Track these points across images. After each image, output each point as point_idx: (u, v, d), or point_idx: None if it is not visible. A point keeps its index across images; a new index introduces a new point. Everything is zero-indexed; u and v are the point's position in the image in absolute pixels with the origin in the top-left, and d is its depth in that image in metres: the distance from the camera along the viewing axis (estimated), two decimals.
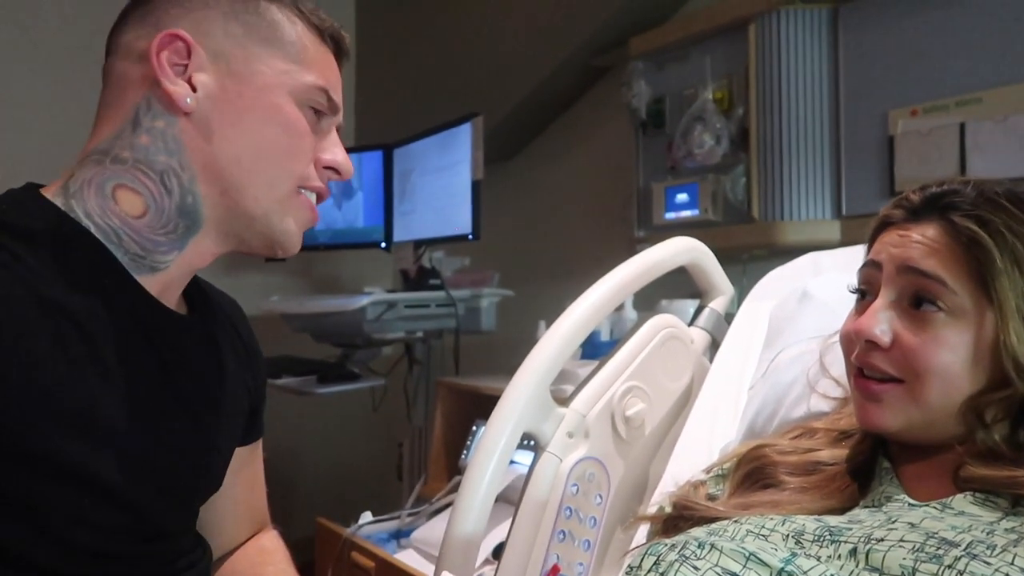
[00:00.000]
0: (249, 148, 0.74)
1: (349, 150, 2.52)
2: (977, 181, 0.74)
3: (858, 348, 0.74)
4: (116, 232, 0.71)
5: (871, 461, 0.78)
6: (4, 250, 0.64)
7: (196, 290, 0.82)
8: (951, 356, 0.70)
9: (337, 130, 0.82)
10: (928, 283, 0.70)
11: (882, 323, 0.72)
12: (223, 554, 0.92)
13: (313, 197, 0.79)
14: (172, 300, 0.77)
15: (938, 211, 0.72)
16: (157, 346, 0.73)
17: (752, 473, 0.83)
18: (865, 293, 0.77)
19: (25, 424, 0.62)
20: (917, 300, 0.71)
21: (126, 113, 0.73)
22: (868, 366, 0.74)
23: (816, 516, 0.69)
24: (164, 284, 0.74)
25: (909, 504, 0.70)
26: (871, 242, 0.79)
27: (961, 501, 0.68)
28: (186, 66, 0.72)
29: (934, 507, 0.68)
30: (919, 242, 0.72)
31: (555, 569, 0.94)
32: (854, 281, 0.79)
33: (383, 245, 2.46)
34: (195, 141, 0.73)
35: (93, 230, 0.70)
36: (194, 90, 0.72)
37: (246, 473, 0.92)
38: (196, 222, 0.74)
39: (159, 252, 0.73)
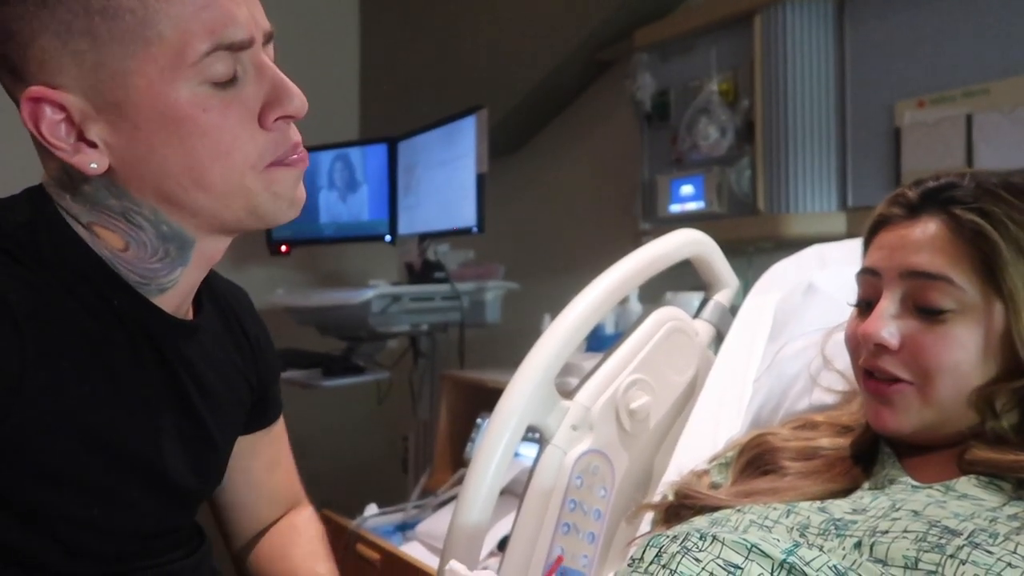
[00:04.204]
0: (180, 171, 0.65)
1: (353, 144, 2.55)
2: (973, 173, 0.73)
3: (866, 351, 0.74)
4: (111, 262, 0.68)
5: (873, 447, 0.78)
6: (23, 268, 0.64)
7: (204, 287, 0.80)
8: (962, 354, 0.69)
9: (270, 38, 0.67)
10: (934, 284, 0.70)
11: (889, 325, 0.72)
12: (255, 534, 0.93)
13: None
14: (185, 307, 0.76)
15: (938, 205, 0.72)
16: (167, 357, 0.73)
17: (754, 460, 0.83)
18: (869, 303, 0.76)
19: (45, 442, 0.63)
20: (923, 301, 0.70)
21: (55, 158, 0.65)
22: (877, 370, 0.73)
23: (820, 506, 0.69)
24: (179, 299, 0.73)
25: (912, 486, 0.70)
26: (867, 241, 0.78)
27: (965, 483, 0.67)
28: (69, 120, 0.63)
29: (937, 489, 0.68)
30: (921, 241, 0.71)
31: (559, 560, 0.95)
32: (853, 295, 0.78)
33: (388, 238, 2.46)
34: (131, 184, 0.66)
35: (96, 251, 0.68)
36: (94, 145, 0.64)
37: (263, 457, 0.92)
38: (185, 240, 0.70)
39: (160, 276, 0.70)
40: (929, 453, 0.73)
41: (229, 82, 0.64)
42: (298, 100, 0.67)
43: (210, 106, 0.64)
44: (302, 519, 0.96)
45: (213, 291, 0.83)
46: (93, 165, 0.64)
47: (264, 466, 0.93)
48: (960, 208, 0.70)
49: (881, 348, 0.72)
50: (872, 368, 0.73)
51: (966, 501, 0.65)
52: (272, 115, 0.66)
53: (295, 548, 0.91)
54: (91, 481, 0.67)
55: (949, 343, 0.69)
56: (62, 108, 0.63)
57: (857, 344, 0.75)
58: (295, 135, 0.69)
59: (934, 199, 0.72)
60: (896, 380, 0.72)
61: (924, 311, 0.70)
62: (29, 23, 0.62)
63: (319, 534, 0.95)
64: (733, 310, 1.22)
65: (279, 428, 0.95)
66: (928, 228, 0.71)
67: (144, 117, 0.63)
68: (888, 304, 0.72)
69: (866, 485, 0.74)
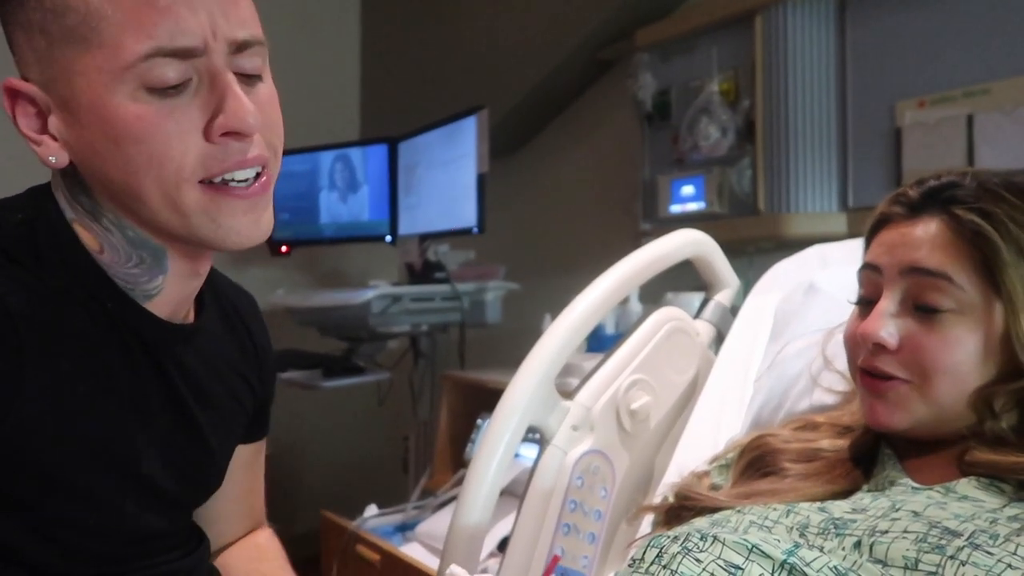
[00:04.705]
0: (118, 178, 0.63)
1: (354, 144, 2.55)
2: (975, 172, 0.73)
3: (864, 351, 0.74)
4: (96, 263, 0.67)
5: (874, 449, 0.78)
6: (21, 268, 0.64)
7: (207, 288, 0.78)
8: (961, 354, 0.69)
9: (244, 47, 0.63)
10: (934, 281, 0.70)
11: (888, 325, 0.71)
12: (215, 549, 0.91)
13: (251, 175, 0.65)
14: (183, 311, 0.74)
15: (939, 205, 0.72)
16: (161, 362, 0.72)
17: (754, 462, 0.83)
18: (870, 301, 0.76)
19: (43, 443, 0.63)
20: (923, 300, 0.70)
21: None
22: (875, 370, 0.73)
23: (820, 506, 0.69)
24: (171, 306, 0.72)
25: (913, 488, 0.69)
26: (868, 240, 0.78)
27: (965, 485, 0.67)
28: (40, 112, 0.64)
29: (938, 491, 0.68)
30: (922, 239, 0.71)
31: (555, 560, 0.94)
32: (854, 294, 0.78)
33: (388, 239, 2.45)
34: (90, 180, 0.66)
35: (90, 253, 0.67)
36: (55, 139, 0.64)
37: (247, 471, 0.91)
38: (155, 248, 0.68)
39: (142, 283, 0.68)
40: (929, 454, 0.73)
41: (174, 89, 0.61)
42: (250, 117, 0.63)
43: (146, 112, 0.61)
44: (264, 538, 0.95)
45: (217, 292, 0.82)
46: (52, 159, 0.65)
47: (244, 481, 0.91)
48: (961, 208, 0.70)
49: (880, 348, 0.72)
50: (869, 368, 0.73)
51: (966, 502, 0.65)
52: (218, 129, 0.63)
53: (263, 563, 0.91)
54: (86, 484, 0.67)
55: (948, 343, 0.69)
56: (32, 100, 0.64)
57: (856, 343, 0.75)
58: (250, 151, 0.65)
59: (935, 198, 0.72)
60: (891, 377, 0.72)
61: (923, 310, 0.70)
62: (7, 17, 0.64)
63: (283, 555, 0.93)
64: (734, 310, 1.22)
65: (263, 447, 0.94)
66: (929, 227, 0.71)
67: (88, 118, 0.62)
68: (888, 303, 0.72)
69: (866, 487, 0.74)
